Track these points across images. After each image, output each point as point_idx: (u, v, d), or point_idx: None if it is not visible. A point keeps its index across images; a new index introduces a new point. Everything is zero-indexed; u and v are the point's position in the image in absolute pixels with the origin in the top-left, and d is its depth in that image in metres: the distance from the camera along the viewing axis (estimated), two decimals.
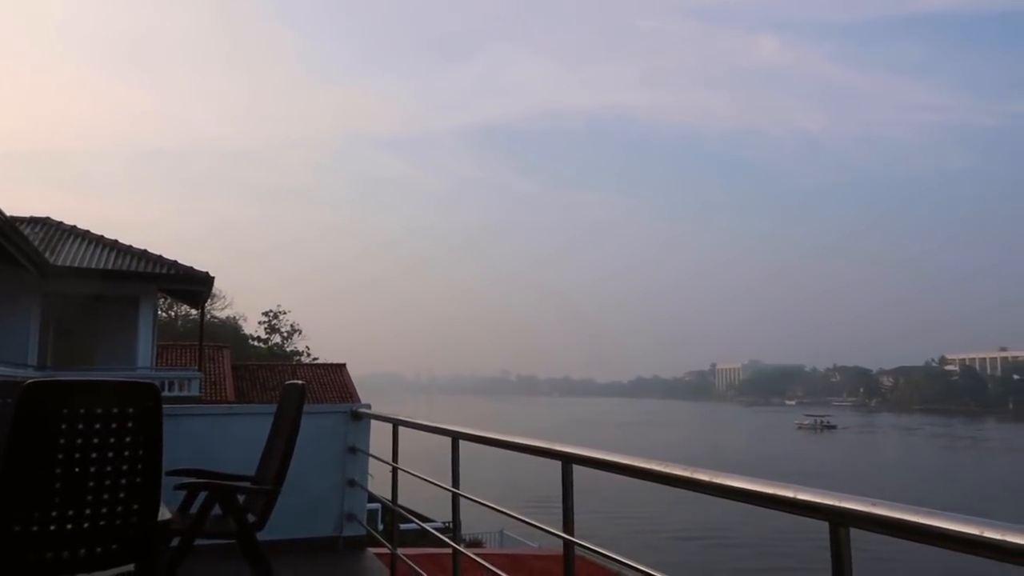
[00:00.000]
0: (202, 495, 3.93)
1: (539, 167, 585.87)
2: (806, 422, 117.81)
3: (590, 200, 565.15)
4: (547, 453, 2.78)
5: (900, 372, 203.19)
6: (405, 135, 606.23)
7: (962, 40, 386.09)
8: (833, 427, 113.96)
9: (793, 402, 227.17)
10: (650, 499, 34.40)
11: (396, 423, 4.83)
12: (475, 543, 24.64)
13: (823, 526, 1.63)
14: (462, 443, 3.69)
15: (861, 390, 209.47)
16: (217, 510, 3.98)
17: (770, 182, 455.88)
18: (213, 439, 5.70)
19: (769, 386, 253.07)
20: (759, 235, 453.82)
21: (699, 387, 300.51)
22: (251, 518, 4.01)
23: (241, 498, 4.08)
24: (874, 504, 1.52)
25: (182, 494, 4.01)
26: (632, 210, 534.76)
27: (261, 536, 4.01)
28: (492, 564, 3.40)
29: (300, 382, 4.38)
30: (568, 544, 2.65)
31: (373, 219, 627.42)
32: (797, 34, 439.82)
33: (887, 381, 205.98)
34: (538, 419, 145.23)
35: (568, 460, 2.65)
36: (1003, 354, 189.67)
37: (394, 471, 4.79)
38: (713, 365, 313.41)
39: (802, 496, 1.67)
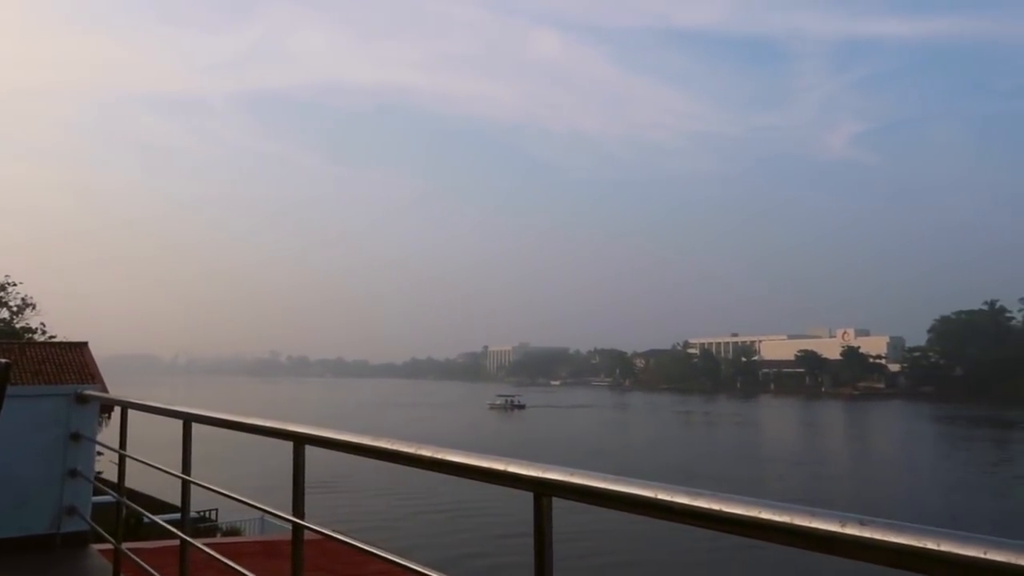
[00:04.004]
0: None
1: (319, 140, 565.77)
2: (497, 402, 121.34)
3: (371, 178, 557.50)
4: (279, 434, 2.69)
5: (651, 354, 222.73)
6: (173, 96, 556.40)
7: (716, 56, 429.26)
8: (522, 407, 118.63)
9: (558, 382, 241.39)
10: (426, 480, 34.95)
11: (125, 405, 4.41)
12: (233, 531, 23.53)
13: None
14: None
15: (617, 371, 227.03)
16: None
17: (547, 174, 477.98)
18: None
19: (537, 367, 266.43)
20: (531, 223, 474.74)
21: (472, 368, 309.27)
22: None
23: None
24: (572, 473, 1.61)
25: None
26: (408, 191, 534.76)
27: None
28: (229, 552, 3.23)
29: (2, 360, 3.83)
30: (297, 528, 2.57)
31: (130, 186, 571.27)
32: (578, 34, 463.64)
33: (639, 363, 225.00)
34: (311, 402, 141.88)
35: (300, 441, 2.58)
36: (734, 339, 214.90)
37: (121, 459, 4.38)
38: (485, 347, 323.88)
39: (511, 468, 1.74)
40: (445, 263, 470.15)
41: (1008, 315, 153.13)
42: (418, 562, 1.99)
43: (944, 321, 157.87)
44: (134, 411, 4.43)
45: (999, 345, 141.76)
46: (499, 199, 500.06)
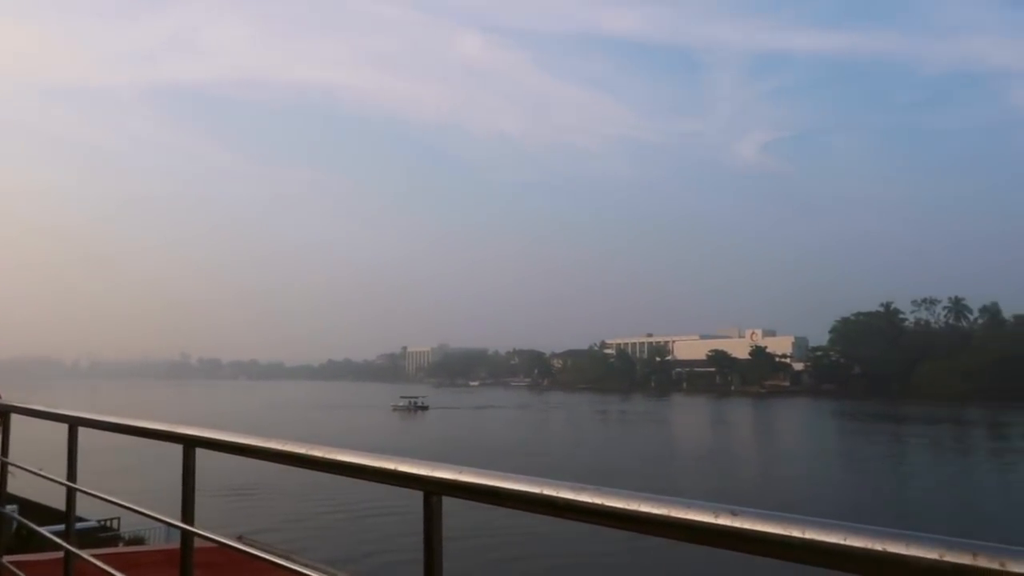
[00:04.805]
0: None
1: (234, 137, 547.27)
2: (401, 404, 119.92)
3: (285, 176, 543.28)
4: (168, 436, 2.60)
5: (568, 355, 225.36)
6: (77, 85, 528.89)
7: (637, 63, 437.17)
8: (426, 408, 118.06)
9: (476, 383, 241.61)
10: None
11: (7, 410, 4.17)
12: (136, 540, 22.61)
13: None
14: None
15: (536, 371, 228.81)
16: None
17: (468, 174, 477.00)
18: None
19: (457, 368, 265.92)
20: (452, 223, 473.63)
21: (391, 369, 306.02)
22: None
23: None
24: (460, 472, 1.61)
25: None
26: (324, 188, 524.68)
27: None
28: (123, 563, 3.09)
29: None
30: (187, 534, 2.48)
31: (26, 179, 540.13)
32: (502, 36, 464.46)
33: (557, 363, 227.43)
34: (214, 405, 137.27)
35: (190, 443, 2.49)
36: (649, 339, 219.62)
37: (2, 466, 4.13)
38: (404, 348, 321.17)
39: (402, 468, 1.73)
40: (363, 264, 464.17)
41: (902, 316, 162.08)
42: (315, 563, 1.96)
43: (844, 322, 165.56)
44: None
45: (894, 345, 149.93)
46: (419, 198, 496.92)
